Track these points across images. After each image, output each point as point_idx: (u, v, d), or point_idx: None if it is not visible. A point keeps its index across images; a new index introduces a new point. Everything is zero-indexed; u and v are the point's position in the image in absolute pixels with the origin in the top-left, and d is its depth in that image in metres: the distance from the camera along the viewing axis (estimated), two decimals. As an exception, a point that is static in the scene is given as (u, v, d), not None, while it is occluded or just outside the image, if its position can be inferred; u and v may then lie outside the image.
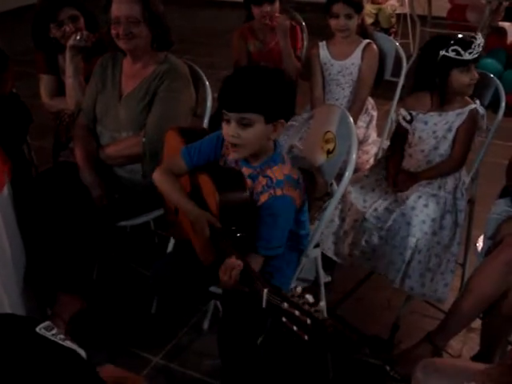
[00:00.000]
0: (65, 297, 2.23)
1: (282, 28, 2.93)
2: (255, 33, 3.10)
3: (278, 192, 1.71)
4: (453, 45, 2.24)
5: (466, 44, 2.24)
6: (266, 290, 1.42)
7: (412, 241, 2.20)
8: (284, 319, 1.33)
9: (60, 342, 1.02)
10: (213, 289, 1.96)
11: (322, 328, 1.27)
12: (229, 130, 1.69)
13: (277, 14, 2.96)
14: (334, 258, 2.38)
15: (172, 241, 2.29)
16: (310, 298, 1.32)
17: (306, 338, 1.28)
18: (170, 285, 1.95)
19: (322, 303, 1.31)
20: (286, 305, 1.33)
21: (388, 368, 2.14)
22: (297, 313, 1.30)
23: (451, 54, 2.24)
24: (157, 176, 1.89)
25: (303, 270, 1.92)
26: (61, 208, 2.18)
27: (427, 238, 2.21)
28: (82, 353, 1.04)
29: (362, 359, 2.31)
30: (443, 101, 2.34)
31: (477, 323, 2.15)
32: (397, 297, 2.52)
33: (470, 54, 2.25)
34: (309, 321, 1.27)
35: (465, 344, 2.33)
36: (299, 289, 1.36)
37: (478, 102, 2.35)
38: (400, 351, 2.24)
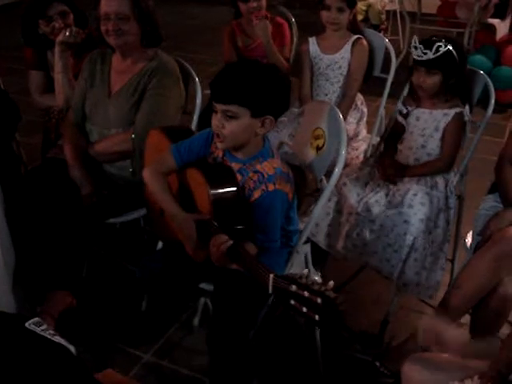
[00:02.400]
0: (54, 294, 2.21)
1: (261, 27, 2.90)
2: (243, 29, 3.10)
3: (271, 187, 1.72)
4: (415, 42, 2.25)
5: (421, 44, 2.24)
6: (271, 275, 1.41)
7: (409, 239, 2.20)
8: (292, 302, 1.33)
9: (49, 337, 1.02)
10: (203, 286, 1.96)
11: (333, 306, 1.26)
12: (215, 121, 1.72)
13: (263, 11, 2.96)
14: (328, 250, 2.38)
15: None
16: (318, 278, 1.32)
17: (317, 317, 1.28)
18: (160, 281, 1.95)
19: (331, 282, 1.30)
20: (294, 287, 1.33)
21: (378, 364, 2.15)
22: (306, 293, 1.29)
23: (411, 50, 2.27)
24: (147, 176, 1.89)
25: (293, 266, 1.92)
26: (50, 205, 2.17)
27: (423, 237, 2.21)
28: (72, 348, 1.05)
29: (352, 355, 2.32)
30: (413, 98, 2.36)
31: (466, 319, 2.16)
32: (387, 291, 2.53)
33: (417, 56, 2.25)
34: (319, 300, 1.27)
35: (454, 339, 2.34)
36: (306, 271, 1.36)
37: (467, 107, 2.35)
38: (390, 346, 2.25)
